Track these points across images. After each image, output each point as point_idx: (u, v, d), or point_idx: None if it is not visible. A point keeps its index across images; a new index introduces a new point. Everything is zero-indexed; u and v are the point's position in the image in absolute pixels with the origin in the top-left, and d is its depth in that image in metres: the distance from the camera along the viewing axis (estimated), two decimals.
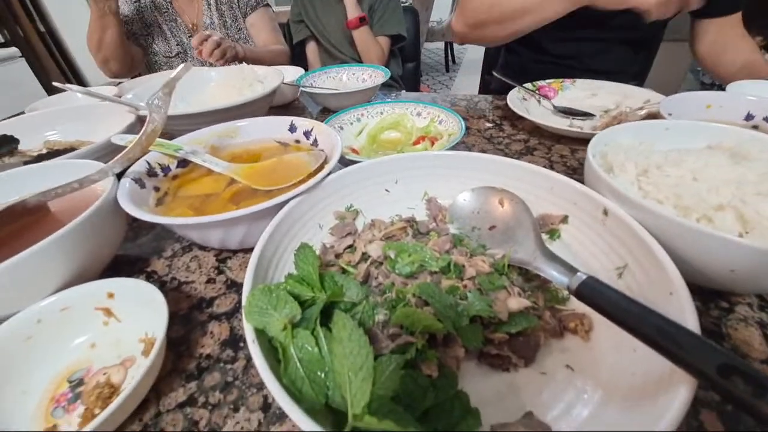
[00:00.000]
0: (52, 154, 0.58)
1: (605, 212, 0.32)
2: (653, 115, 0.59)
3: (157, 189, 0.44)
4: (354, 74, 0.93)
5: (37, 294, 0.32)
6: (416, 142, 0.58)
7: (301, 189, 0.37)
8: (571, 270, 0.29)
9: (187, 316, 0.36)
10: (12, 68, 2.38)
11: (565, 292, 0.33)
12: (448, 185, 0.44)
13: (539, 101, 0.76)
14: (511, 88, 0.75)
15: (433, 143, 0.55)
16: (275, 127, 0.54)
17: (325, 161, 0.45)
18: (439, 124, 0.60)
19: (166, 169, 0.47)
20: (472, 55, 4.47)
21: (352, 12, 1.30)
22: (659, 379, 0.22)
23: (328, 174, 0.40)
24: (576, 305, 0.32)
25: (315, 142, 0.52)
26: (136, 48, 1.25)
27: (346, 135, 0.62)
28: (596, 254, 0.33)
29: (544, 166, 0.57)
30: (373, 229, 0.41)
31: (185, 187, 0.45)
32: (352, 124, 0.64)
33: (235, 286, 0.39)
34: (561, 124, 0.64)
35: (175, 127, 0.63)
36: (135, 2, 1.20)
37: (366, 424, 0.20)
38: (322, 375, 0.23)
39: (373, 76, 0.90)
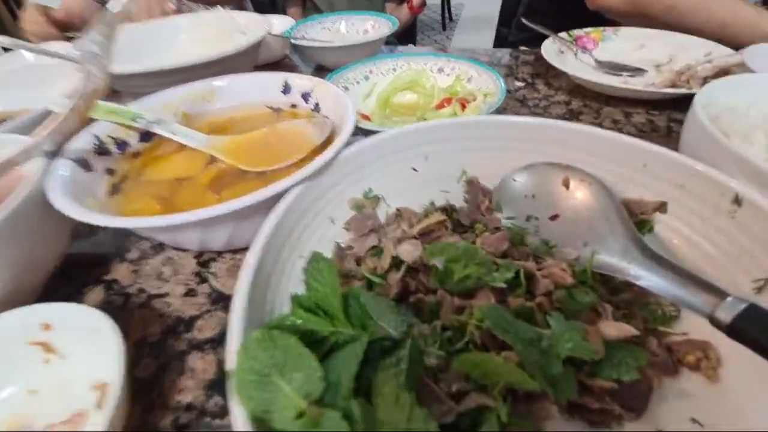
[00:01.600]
0: None
1: (737, 200, 0.23)
2: (726, 71, 0.48)
3: (111, 172, 0.33)
4: (353, 24, 0.78)
5: None
6: (440, 106, 0.47)
7: (306, 171, 0.26)
8: (712, 290, 0.20)
9: (159, 345, 0.27)
10: None
11: (673, 309, 0.25)
12: (491, 162, 0.34)
13: (576, 54, 0.64)
14: (535, 41, 0.63)
15: (464, 107, 0.44)
16: (264, 87, 0.43)
17: (334, 132, 0.35)
18: (469, 82, 0.49)
19: (122, 145, 0.36)
20: (471, 12, 4.15)
21: None
22: None
23: (340, 150, 0.30)
24: (689, 327, 0.24)
25: (317, 107, 0.40)
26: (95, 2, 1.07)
27: (353, 97, 0.50)
28: (716, 258, 0.24)
29: None
30: (401, 221, 0.31)
31: (150, 169, 0.35)
32: (358, 83, 0.52)
33: (222, 300, 0.30)
34: (611, 81, 0.53)
35: (137, 89, 0.51)
36: None
37: None
38: None
39: (376, 26, 0.76)
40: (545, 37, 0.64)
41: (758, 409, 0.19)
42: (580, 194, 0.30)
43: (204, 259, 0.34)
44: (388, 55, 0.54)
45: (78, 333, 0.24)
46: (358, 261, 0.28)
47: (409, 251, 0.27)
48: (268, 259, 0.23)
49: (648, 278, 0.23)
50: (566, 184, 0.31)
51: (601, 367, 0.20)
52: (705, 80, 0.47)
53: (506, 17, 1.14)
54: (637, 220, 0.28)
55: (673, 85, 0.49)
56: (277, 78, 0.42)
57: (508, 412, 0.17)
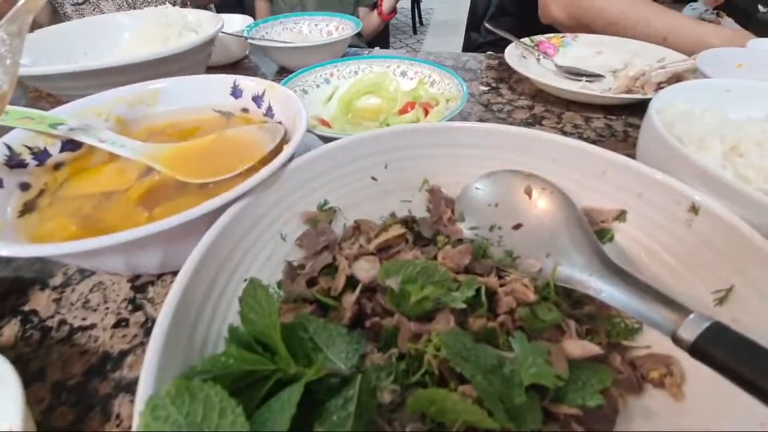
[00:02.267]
0: None
1: (694, 209, 0.23)
2: (679, 77, 0.50)
3: (25, 187, 0.29)
4: (317, 25, 0.76)
5: None
6: (403, 110, 0.45)
7: (250, 183, 0.24)
8: (674, 307, 0.19)
9: (80, 388, 0.24)
10: None
11: (634, 321, 0.24)
12: (453, 169, 0.33)
13: (539, 59, 0.65)
14: (500, 44, 0.64)
15: (427, 112, 0.43)
16: (212, 89, 0.39)
17: (285, 138, 0.32)
18: (431, 87, 0.48)
19: (41, 156, 0.31)
20: (442, 16, 4.22)
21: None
22: None
23: (291, 158, 0.28)
24: (651, 339, 0.23)
25: (269, 111, 0.38)
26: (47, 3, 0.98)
27: (312, 101, 0.48)
28: (675, 268, 0.24)
29: None
30: (359, 236, 0.29)
31: (74, 182, 0.31)
32: (318, 86, 0.49)
33: None
34: (571, 86, 0.54)
35: (72, 92, 0.46)
36: None
37: None
38: None
39: (340, 27, 0.74)
40: (510, 41, 0.64)
41: (724, 428, 0.19)
42: (542, 203, 0.29)
43: (140, 283, 0.30)
44: (350, 58, 0.52)
45: None
46: (311, 282, 0.25)
47: (365, 269, 0.25)
48: (200, 287, 0.20)
49: (610, 292, 0.22)
50: (529, 193, 0.31)
51: (566, 390, 0.19)
52: (659, 86, 0.49)
53: (475, 22, 1.15)
54: (598, 228, 0.28)
55: (629, 91, 0.51)
56: (226, 80, 0.39)
57: None
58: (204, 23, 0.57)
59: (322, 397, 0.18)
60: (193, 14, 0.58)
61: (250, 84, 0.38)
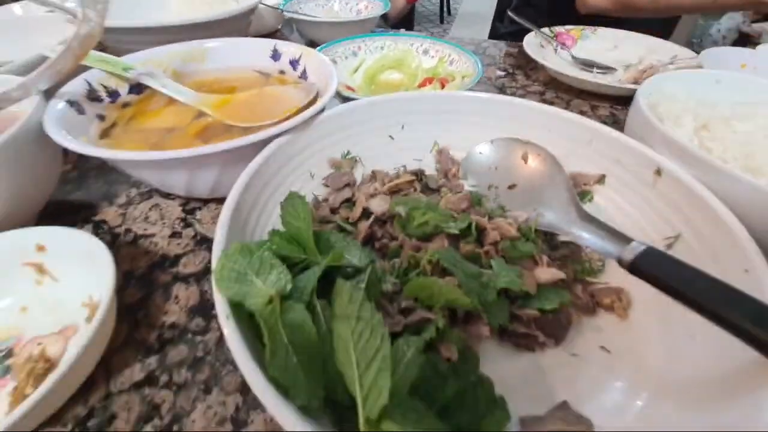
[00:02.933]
0: None
1: (658, 172, 0.27)
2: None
3: (101, 117, 0.35)
4: (347, 3, 0.80)
5: None
6: (422, 84, 0.49)
7: (287, 125, 0.29)
8: (622, 238, 0.24)
9: (145, 277, 0.30)
10: None
11: (599, 263, 0.29)
12: (462, 134, 0.38)
13: (556, 50, 0.68)
14: (523, 35, 0.67)
15: (443, 86, 0.47)
16: (254, 52, 0.44)
17: (318, 96, 0.37)
18: (450, 65, 0.52)
19: (114, 95, 0.37)
20: (470, 7, 4.15)
21: None
22: (741, 374, 0.18)
23: (322, 110, 0.33)
24: (610, 278, 0.28)
25: (304, 74, 0.43)
26: None
27: (340, 71, 0.52)
28: (638, 221, 0.29)
29: None
30: (375, 181, 0.34)
31: (139, 119, 0.36)
32: (347, 58, 0.54)
33: (206, 242, 0.33)
34: (582, 75, 0.57)
35: (125, 46, 0.52)
36: None
37: (384, 430, 0.15)
38: (320, 363, 0.17)
39: (369, 6, 0.78)
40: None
41: (656, 341, 0.24)
42: (535, 167, 0.34)
43: (189, 207, 0.36)
44: (377, 33, 0.56)
45: (71, 256, 0.26)
46: (333, 210, 0.31)
47: (379, 204, 0.30)
48: (249, 195, 0.25)
49: (583, 237, 0.27)
50: (525, 158, 0.35)
51: (531, 301, 0.24)
52: None
53: (501, 11, 1.17)
54: (581, 190, 0.32)
55: (635, 82, 0.54)
56: (267, 44, 0.44)
57: (445, 323, 0.21)
58: None
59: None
60: None
61: (288, 48, 0.43)
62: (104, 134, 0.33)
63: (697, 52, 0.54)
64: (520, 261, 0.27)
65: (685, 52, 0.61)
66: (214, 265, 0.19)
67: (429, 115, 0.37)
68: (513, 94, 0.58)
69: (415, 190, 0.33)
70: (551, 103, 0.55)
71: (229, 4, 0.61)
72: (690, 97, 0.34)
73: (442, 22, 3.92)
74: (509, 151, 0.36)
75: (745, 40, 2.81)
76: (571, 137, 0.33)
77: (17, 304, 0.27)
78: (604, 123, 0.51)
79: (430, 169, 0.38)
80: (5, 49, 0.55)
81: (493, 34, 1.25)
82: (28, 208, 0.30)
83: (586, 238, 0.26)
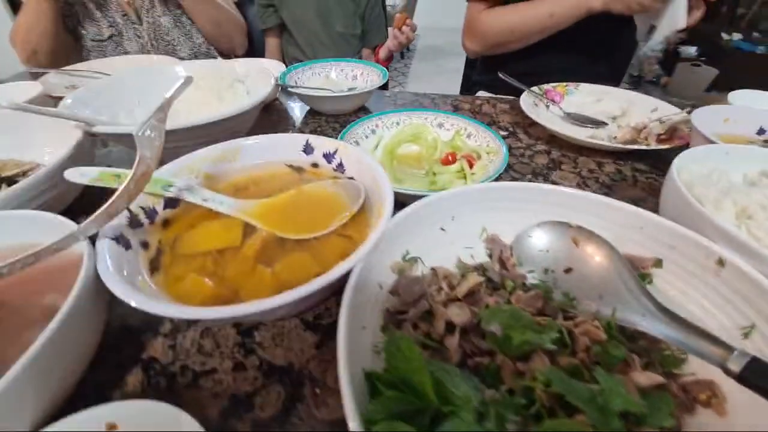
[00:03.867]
0: None
1: (720, 262, 0.29)
2: (674, 128, 0.58)
3: (144, 245, 0.33)
4: (342, 70, 0.82)
5: None
6: (446, 161, 0.51)
7: (365, 249, 0.28)
8: (721, 344, 0.25)
9: (222, 430, 0.27)
10: None
11: (680, 352, 0.30)
12: (507, 219, 0.39)
13: (548, 106, 0.73)
14: (493, 86, 0.73)
15: (471, 164, 0.49)
16: (286, 146, 0.44)
17: (367, 197, 0.37)
18: (468, 138, 0.54)
19: (151, 213, 0.35)
20: (426, 42, 4.43)
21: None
22: None
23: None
24: (694, 368, 0.29)
25: (340, 167, 0.43)
26: (66, 35, 1.01)
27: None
28: (707, 308, 0.30)
29: (577, 183, 0.54)
30: (440, 281, 0.34)
31: (185, 239, 0.34)
32: (367, 137, 0.55)
33: (275, 373, 0.30)
34: (580, 134, 0.61)
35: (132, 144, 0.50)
36: None
37: None
38: None
39: (365, 73, 0.81)
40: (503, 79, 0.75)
41: None
42: (589, 250, 0.35)
43: (245, 329, 0.34)
44: (392, 111, 0.58)
45: (148, 427, 0.23)
46: (414, 326, 0.30)
47: (459, 314, 0.30)
48: (345, 335, 0.24)
49: (663, 330, 0.28)
50: (576, 241, 0.36)
51: (647, 417, 0.24)
52: (659, 137, 0.57)
53: (470, 60, 1.26)
54: (639, 273, 0.34)
55: (634, 141, 0.59)
56: (299, 139, 0.44)
57: None
58: (251, 74, 0.62)
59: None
60: (241, 65, 0.63)
61: (321, 142, 0.43)
62: (153, 267, 0.31)
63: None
64: (613, 366, 0.27)
65: (662, 105, 0.68)
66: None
67: (476, 204, 0.38)
68: (522, 155, 0.61)
69: (484, 288, 0.33)
70: (560, 163, 0.59)
71: (236, 88, 0.61)
72: (721, 174, 0.37)
73: (402, 57, 4.14)
74: (559, 234, 0.37)
75: (672, 56, 3.18)
76: (620, 223, 0.35)
77: None
78: (614, 181, 0.56)
79: (481, 255, 0.38)
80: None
81: (466, 82, 1.34)
82: (82, 366, 0.27)
83: (672, 336, 0.27)
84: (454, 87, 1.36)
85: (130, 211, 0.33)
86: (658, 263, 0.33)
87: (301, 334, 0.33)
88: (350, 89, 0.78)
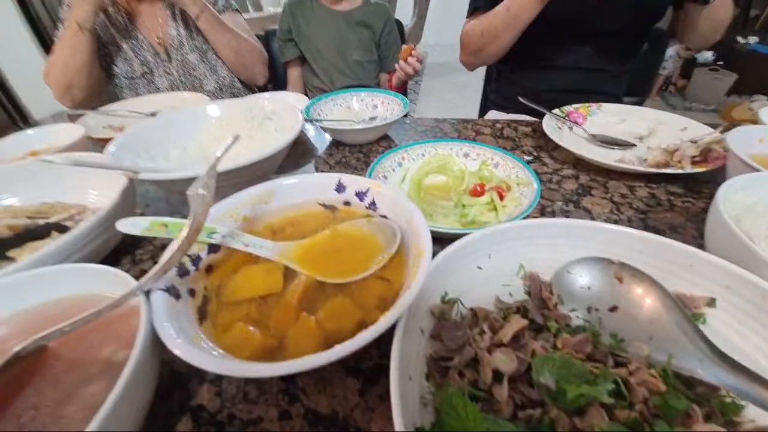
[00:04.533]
0: (20, 236, 0.44)
1: None
2: (708, 149, 0.57)
3: (192, 293, 0.34)
4: (363, 100, 0.85)
5: None
6: (475, 192, 0.51)
7: (409, 298, 0.28)
8: None
9: None
10: None
11: (740, 401, 0.28)
12: (545, 255, 0.38)
13: (570, 128, 0.72)
14: (504, 106, 0.73)
15: (501, 195, 0.49)
16: (318, 186, 0.45)
17: (403, 239, 0.37)
18: (495, 168, 0.54)
19: (196, 260, 0.36)
20: (436, 59, 4.51)
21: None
22: None
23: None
24: (753, 414, 0.27)
25: (372, 205, 0.43)
26: (100, 71, 1.07)
27: (390, 184, 0.54)
28: (765, 350, 0.29)
29: (610, 210, 0.53)
30: (481, 323, 0.33)
31: (229, 286, 0.35)
32: (394, 170, 0.56)
33: (320, 422, 0.30)
34: (608, 157, 0.60)
35: (174, 187, 0.52)
36: None
37: None
38: None
39: (385, 102, 0.83)
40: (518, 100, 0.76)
41: None
42: (635, 288, 0.34)
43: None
44: (417, 142, 0.59)
45: None
46: (460, 374, 0.29)
47: (505, 362, 0.29)
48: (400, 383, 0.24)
49: (723, 379, 0.27)
50: (620, 278, 0.36)
51: None
52: (693, 159, 0.56)
53: (488, 78, 1.28)
54: (691, 313, 0.33)
55: (667, 164, 0.57)
56: (331, 178, 0.45)
57: None
58: (279, 110, 0.65)
59: None
60: (269, 103, 0.65)
61: (353, 181, 0.44)
62: (201, 316, 0.32)
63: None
64: (674, 418, 0.26)
65: (692, 124, 0.66)
66: None
67: (513, 242, 0.38)
68: (549, 180, 0.60)
69: (528, 331, 0.32)
70: (590, 188, 0.58)
71: (266, 126, 0.63)
72: (758, 204, 0.36)
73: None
74: (601, 271, 0.36)
75: (689, 62, 3.13)
76: (667, 260, 0.34)
77: None
78: (648, 206, 0.54)
79: (519, 292, 0.38)
80: (37, 191, 0.54)
81: (484, 100, 1.36)
82: (143, 415, 0.28)
83: (735, 386, 0.26)
84: (464, 102, 1.38)
85: None
86: (712, 302, 0.32)
87: (343, 380, 0.33)
88: (371, 118, 0.80)
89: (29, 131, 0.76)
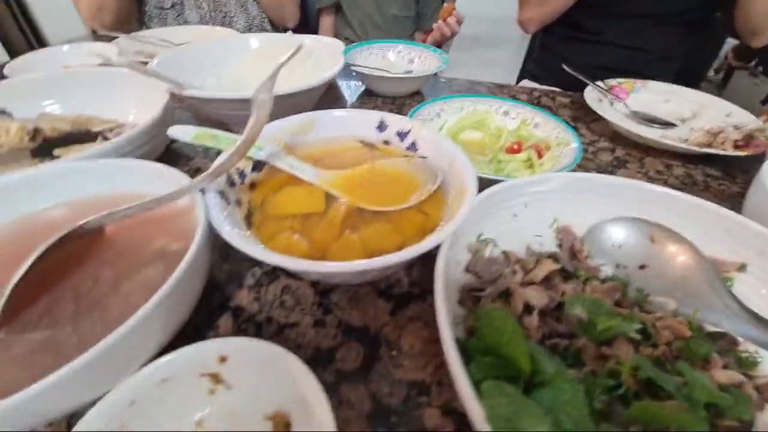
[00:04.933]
0: (64, 139, 0.45)
1: None
2: (750, 135, 0.55)
3: (239, 203, 0.35)
4: (399, 53, 0.82)
5: (131, 366, 0.24)
6: (512, 149, 0.51)
7: (453, 226, 0.29)
8: None
9: None
10: None
11: (757, 354, 0.30)
12: (580, 211, 0.39)
13: (612, 103, 0.70)
14: (544, 78, 0.71)
15: (540, 154, 0.48)
16: (359, 122, 0.45)
17: (444, 179, 0.38)
18: (535, 128, 0.53)
19: (242, 175, 0.37)
20: (464, 31, 4.31)
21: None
22: None
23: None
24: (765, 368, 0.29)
25: (413, 146, 0.43)
26: None
27: None
28: None
29: None
30: (513, 265, 0.35)
31: (272, 202, 0.36)
32: (431, 120, 0.55)
33: (353, 332, 0.32)
34: (651, 133, 0.59)
35: (214, 110, 0.52)
36: None
37: None
38: None
39: (422, 57, 0.80)
40: (560, 72, 0.72)
41: None
42: (669, 248, 0.35)
43: (322, 289, 0.36)
44: (457, 95, 0.58)
45: (250, 363, 0.26)
46: (494, 302, 0.31)
47: (537, 297, 0.30)
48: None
49: (747, 331, 0.28)
50: (652, 239, 0.36)
51: (729, 410, 0.24)
52: (735, 143, 0.55)
53: (529, 52, 1.24)
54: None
55: (709, 145, 0.56)
56: (373, 116, 0.45)
57: None
58: (317, 49, 0.64)
59: None
60: (310, 41, 0.64)
61: (395, 121, 0.44)
62: (248, 224, 0.33)
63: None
64: (695, 362, 0.27)
65: (736, 110, 0.64)
66: (483, 412, 0.19)
67: (551, 194, 0.38)
68: (585, 151, 0.60)
69: (559, 276, 0.33)
70: (625, 161, 0.58)
71: (305, 62, 0.62)
72: None
73: (439, 46, 4.03)
74: (636, 231, 0.37)
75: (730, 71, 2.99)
76: (705, 223, 0.34)
77: (194, 420, 0.26)
78: (684, 184, 0.54)
79: (549, 245, 0.39)
80: (77, 99, 0.54)
81: (522, 72, 1.31)
82: (192, 306, 0.30)
83: (758, 338, 0.27)
84: (491, 78, 1.35)
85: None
86: (742, 267, 0.33)
87: (374, 301, 0.35)
88: (407, 72, 0.79)
89: (64, 47, 0.75)
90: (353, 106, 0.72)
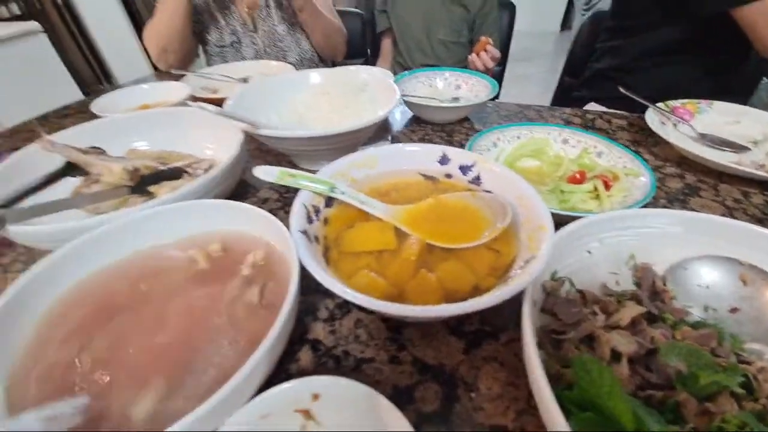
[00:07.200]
0: (155, 176, 0.50)
1: None
2: None
3: (316, 240, 0.37)
4: (446, 79, 0.84)
5: (238, 403, 0.25)
6: (574, 179, 0.50)
7: (537, 269, 0.29)
8: None
9: None
10: (30, 45, 2.20)
11: None
12: (659, 248, 0.37)
13: (675, 125, 0.67)
14: (598, 98, 0.68)
15: (607, 185, 0.47)
16: (421, 156, 0.46)
17: (515, 214, 0.38)
18: (598, 157, 0.52)
19: (318, 213, 0.39)
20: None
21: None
22: None
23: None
24: None
25: (476, 180, 0.44)
26: (193, 38, 1.15)
27: None
28: None
29: (722, 214, 0.50)
30: (592, 305, 0.34)
31: (345, 239, 0.38)
32: (489, 150, 0.56)
33: (428, 371, 0.33)
34: (724, 158, 0.56)
35: (282, 145, 0.56)
36: None
37: None
38: None
39: (470, 83, 0.82)
40: (616, 97, 0.69)
41: None
42: (765, 291, 0.32)
43: (392, 324, 0.37)
44: (513, 124, 0.58)
45: (338, 401, 0.27)
46: (577, 347, 0.30)
47: (624, 343, 0.29)
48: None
49: None
50: (744, 280, 0.34)
51: None
52: None
53: (574, 67, 1.20)
54: None
55: None
56: (435, 150, 0.46)
57: None
58: (372, 82, 0.66)
59: None
60: (364, 73, 0.67)
61: (458, 155, 0.45)
62: (326, 259, 0.35)
63: None
64: None
65: None
66: None
67: (627, 230, 0.37)
68: None
69: (645, 319, 0.32)
70: (697, 189, 0.55)
71: (360, 97, 0.65)
72: None
73: None
74: (725, 271, 0.35)
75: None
76: None
77: None
78: (765, 214, 0.50)
79: (626, 282, 0.37)
80: (161, 136, 0.60)
81: (562, 91, 1.28)
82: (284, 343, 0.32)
83: None
84: (521, 93, 1.32)
85: (306, 207, 0.37)
86: None
87: (446, 338, 0.35)
88: (454, 99, 0.80)
89: (144, 86, 0.84)
90: (402, 133, 0.74)
